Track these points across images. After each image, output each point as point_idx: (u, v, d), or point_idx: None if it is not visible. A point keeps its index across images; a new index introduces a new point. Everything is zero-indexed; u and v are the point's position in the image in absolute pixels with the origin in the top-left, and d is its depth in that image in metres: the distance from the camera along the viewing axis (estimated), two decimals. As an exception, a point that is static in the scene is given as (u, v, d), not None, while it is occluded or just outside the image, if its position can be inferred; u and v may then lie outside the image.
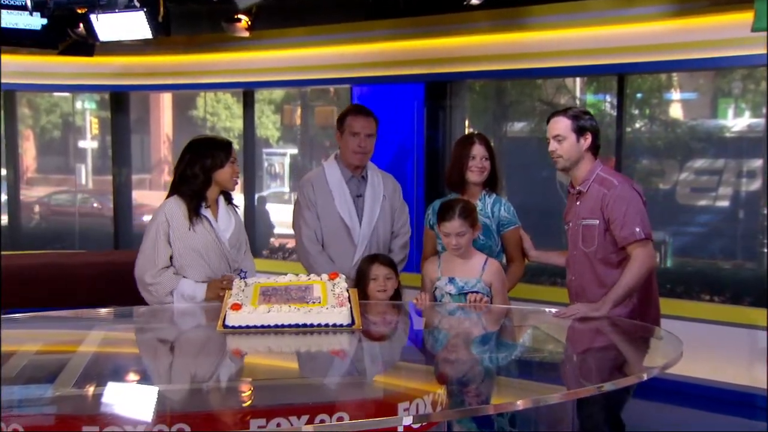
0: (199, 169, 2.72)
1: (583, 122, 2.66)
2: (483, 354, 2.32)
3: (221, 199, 2.83)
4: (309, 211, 3.11)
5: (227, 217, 2.82)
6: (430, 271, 2.90)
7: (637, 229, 2.58)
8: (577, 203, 2.69)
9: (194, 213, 2.70)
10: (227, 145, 2.77)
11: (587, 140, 2.66)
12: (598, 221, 2.61)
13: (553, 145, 2.66)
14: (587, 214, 2.64)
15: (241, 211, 2.99)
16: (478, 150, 3.03)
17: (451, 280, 2.83)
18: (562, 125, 2.65)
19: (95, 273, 2.66)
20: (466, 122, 5.34)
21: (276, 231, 6.96)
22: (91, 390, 1.85)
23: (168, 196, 2.76)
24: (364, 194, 3.13)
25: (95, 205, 7.54)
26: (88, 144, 8.07)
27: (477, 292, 2.79)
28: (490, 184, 3.07)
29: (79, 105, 7.83)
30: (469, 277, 2.81)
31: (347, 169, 3.14)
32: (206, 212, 2.74)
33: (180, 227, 2.70)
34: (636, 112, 5.14)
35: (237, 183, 2.81)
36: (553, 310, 2.61)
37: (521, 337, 2.58)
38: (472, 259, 2.84)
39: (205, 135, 2.90)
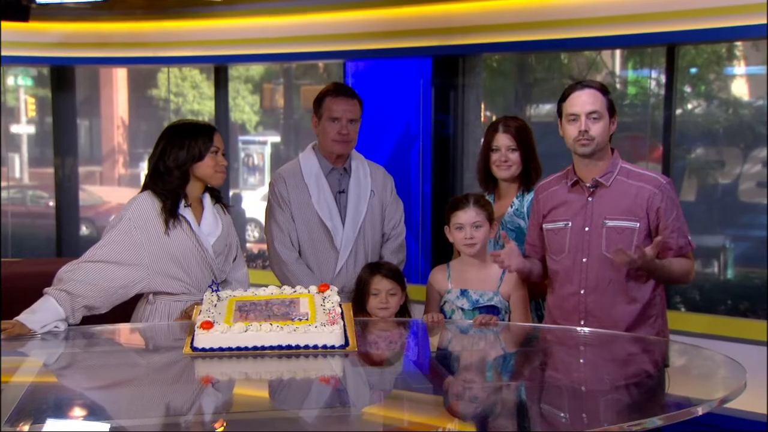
0: (173, 162, 2.72)
1: (612, 101, 2.66)
2: (503, 381, 2.32)
3: (207, 197, 2.83)
4: (282, 210, 3.13)
5: (213, 219, 2.82)
6: (438, 282, 2.90)
7: (689, 238, 2.65)
8: (589, 199, 2.66)
9: (170, 214, 2.70)
10: (207, 131, 2.76)
11: (614, 124, 2.67)
12: (638, 224, 2.59)
13: (586, 124, 2.60)
14: (618, 213, 2.62)
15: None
16: (501, 140, 3.05)
17: (464, 293, 2.83)
18: (597, 100, 2.62)
19: (33, 286, 2.65)
20: (482, 104, 5.35)
21: (255, 234, 6.98)
22: (26, 428, 1.84)
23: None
24: (348, 189, 3.15)
25: (51, 204, 7.53)
26: (23, 129, 8.08)
27: (494, 308, 2.79)
28: (525, 181, 3.07)
29: (11, 81, 7.83)
30: (485, 290, 2.82)
31: (327, 161, 3.16)
32: (186, 212, 2.74)
33: (152, 229, 2.69)
34: (689, 90, 5.15)
35: (223, 177, 2.80)
36: (586, 330, 2.61)
37: (548, 361, 2.58)
38: (487, 268, 2.86)
39: (184, 120, 2.89)
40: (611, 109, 2.64)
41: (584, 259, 2.65)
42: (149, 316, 2.76)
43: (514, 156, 3.03)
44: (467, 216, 2.80)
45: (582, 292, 2.66)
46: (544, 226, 2.76)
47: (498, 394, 2.18)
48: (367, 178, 3.18)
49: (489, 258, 2.87)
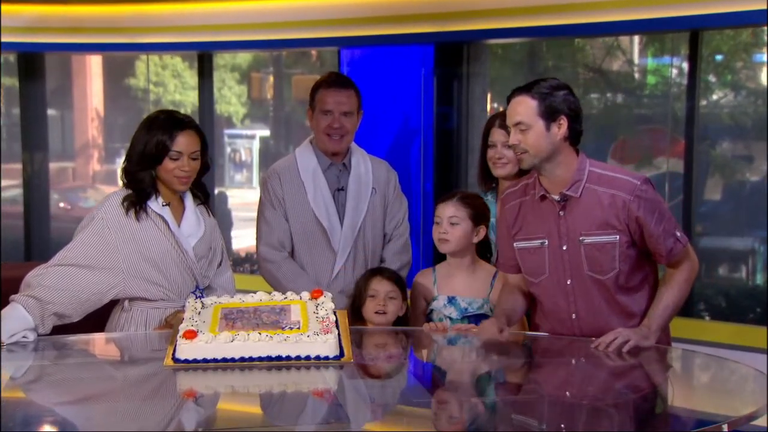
0: (138, 160, 2.71)
1: (552, 101, 2.53)
2: (506, 394, 2.33)
3: (188, 196, 2.82)
4: (273, 210, 3.15)
5: (195, 220, 2.82)
6: (423, 287, 2.92)
7: (678, 234, 2.60)
8: (560, 213, 2.60)
9: (132, 204, 2.70)
10: (173, 125, 2.70)
11: (561, 126, 2.53)
12: (618, 237, 2.55)
13: (514, 137, 2.54)
14: (593, 227, 2.56)
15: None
16: (497, 135, 3.08)
17: (452, 301, 2.85)
18: (523, 108, 2.53)
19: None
20: (488, 95, 5.36)
21: (242, 236, 6.96)
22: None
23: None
24: (347, 187, 3.16)
25: (61, 205, 7.47)
26: (-13, 121, 8.06)
27: (484, 316, 2.81)
28: None
29: (-25, 70, 7.81)
30: (474, 297, 2.83)
31: (324, 156, 3.17)
32: (164, 211, 2.74)
33: (127, 229, 2.70)
34: (713, 79, 5.16)
35: (182, 183, 2.72)
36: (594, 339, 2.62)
37: (555, 373, 2.58)
38: (476, 272, 2.88)
39: (164, 110, 2.83)
40: (549, 112, 2.52)
41: (569, 282, 2.63)
42: (125, 325, 2.77)
43: (510, 153, 3.02)
44: (445, 210, 2.83)
45: (573, 317, 2.65)
46: (515, 244, 2.69)
47: (501, 409, 2.18)
48: (369, 175, 3.20)
49: (478, 262, 2.89)
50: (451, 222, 2.82)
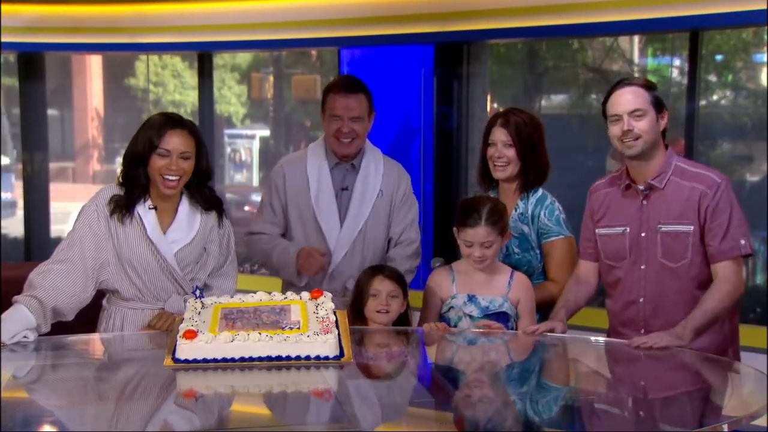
0: (130, 159, 2.72)
1: (658, 96, 2.71)
2: (516, 396, 2.32)
3: (184, 201, 2.79)
4: (270, 203, 3.18)
5: (185, 224, 2.78)
6: (441, 287, 2.91)
7: (743, 242, 2.67)
8: (643, 202, 2.73)
9: (117, 206, 2.70)
10: (164, 124, 2.68)
11: (663, 119, 2.72)
12: (692, 227, 2.67)
13: (629, 123, 2.66)
14: (671, 217, 2.69)
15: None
16: (497, 134, 3.05)
17: (472, 299, 2.85)
18: (638, 96, 2.68)
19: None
20: (488, 95, 5.36)
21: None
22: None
23: None
24: (352, 187, 3.15)
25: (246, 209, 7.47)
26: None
27: (504, 314, 2.82)
28: (524, 181, 3.06)
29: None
30: (494, 295, 2.84)
31: (334, 156, 3.17)
32: (148, 214, 2.73)
33: (112, 223, 2.71)
34: (714, 79, 5.17)
35: (167, 185, 2.68)
36: (601, 339, 2.63)
37: (558, 373, 2.60)
38: (495, 271, 2.89)
39: (163, 112, 2.83)
40: (658, 105, 2.69)
41: (642, 267, 2.73)
42: (106, 323, 2.79)
43: (510, 152, 3.01)
44: (477, 236, 2.79)
45: (641, 300, 2.75)
46: (597, 231, 2.83)
47: (508, 409, 2.18)
48: (378, 177, 3.19)
49: (495, 261, 2.89)
50: (485, 245, 2.80)
